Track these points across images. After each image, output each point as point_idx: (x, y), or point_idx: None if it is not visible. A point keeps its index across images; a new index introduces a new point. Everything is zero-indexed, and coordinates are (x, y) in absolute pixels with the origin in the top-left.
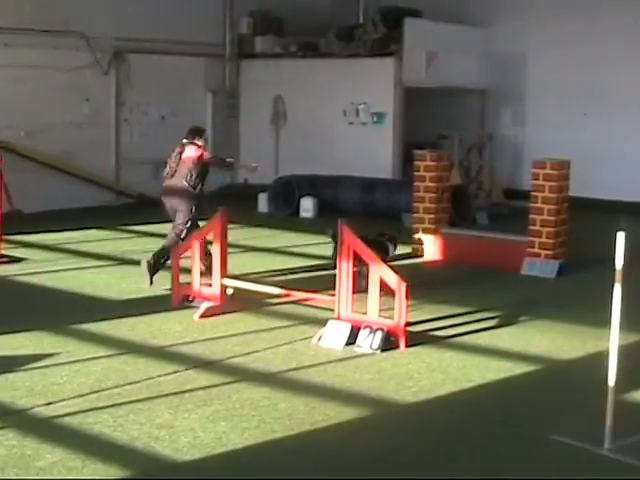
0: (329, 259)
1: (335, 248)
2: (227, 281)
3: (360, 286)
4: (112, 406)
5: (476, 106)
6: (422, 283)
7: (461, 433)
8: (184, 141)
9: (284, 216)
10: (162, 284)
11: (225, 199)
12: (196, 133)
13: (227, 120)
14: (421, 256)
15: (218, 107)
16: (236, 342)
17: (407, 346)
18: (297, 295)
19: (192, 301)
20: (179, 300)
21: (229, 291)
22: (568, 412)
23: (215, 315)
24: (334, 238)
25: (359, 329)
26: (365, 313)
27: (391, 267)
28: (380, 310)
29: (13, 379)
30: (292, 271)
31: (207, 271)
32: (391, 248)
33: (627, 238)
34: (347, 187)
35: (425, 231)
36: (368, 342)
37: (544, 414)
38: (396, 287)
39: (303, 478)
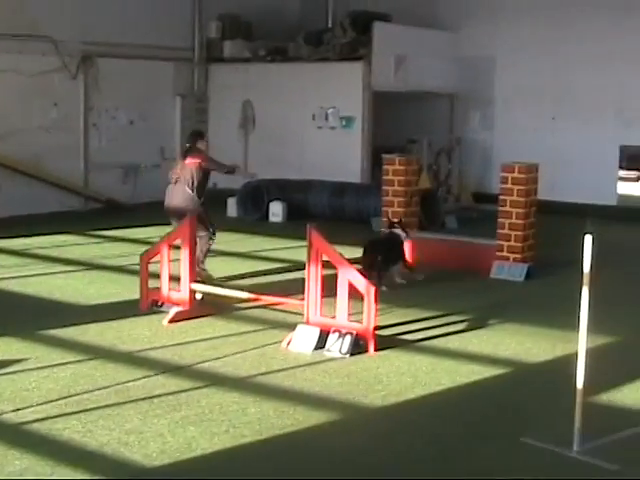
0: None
1: None
2: (196, 286)
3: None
4: (81, 412)
5: (445, 110)
6: (391, 287)
7: (431, 436)
8: (187, 145)
9: (253, 220)
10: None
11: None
12: (197, 137)
13: (196, 124)
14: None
15: (187, 111)
16: (205, 347)
17: (376, 350)
18: (266, 299)
19: (161, 306)
20: (148, 305)
21: (198, 296)
22: (537, 415)
23: (184, 320)
24: None
25: (328, 333)
26: (334, 317)
27: (359, 271)
28: (349, 314)
29: None
30: (262, 274)
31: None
32: (403, 235)
33: (594, 241)
34: (316, 191)
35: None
36: (337, 346)
37: (513, 417)
38: (365, 291)
39: None
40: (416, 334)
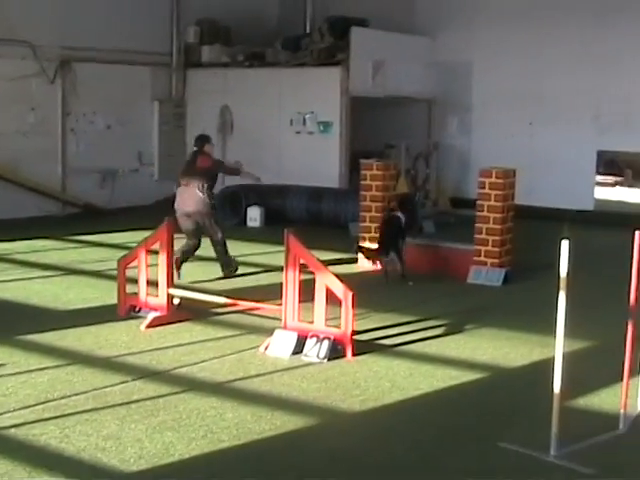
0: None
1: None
2: (174, 291)
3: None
4: (59, 417)
5: (423, 115)
6: (369, 292)
7: (408, 441)
8: (194, 149)
9: (231, 225)
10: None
11: (172, 209)
12: (204, 141)
13: (174, 129)
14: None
15: (165, 116)
16: (183, 352)
17: (354, 355)
18: (244, 304)
19: (139, 311)
20: (126, 310)
21: (176, 301)
22: (515, 419)
23: (162, 325)
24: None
25: (306, 338)
26: (312, 322)
27: (337, 276)
28: (327, 319)
29: None
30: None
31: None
32: (402, 218)
33: (572, 246)
34: (294, 196)
35: (372, 240)
36: (315, 351)
37: (491, 421)
38: (343, 296)
39: None
40: (394, 339)
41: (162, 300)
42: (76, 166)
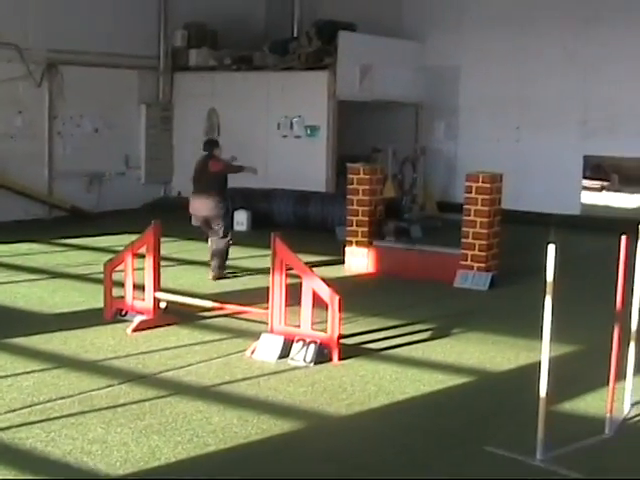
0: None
1: None
2: (160, 294)
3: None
4: (44, 421)
5: (410, 119)
6: (355, 296)
7: (395, 445)
8: (204, 154)
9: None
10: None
11: (158, 212)
12: (213, 145)
13: (161, 133)
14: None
15: (152, 120)
16: (169, 356)
17: (340, 359)
18: (230, 308)
19: (125, 315)
20: (112, 314)
21: (162, 304)
22: (501, 423)
23: (148, 329)
24: None
25: (292, 342)
26: (298, 326)
27: (324, 280)
28: (313, 323)
29: None
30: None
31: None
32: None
33: (558, 251)
34: (281, 200)
35: (358, 244)
36: (301, 355)
37: (477, 425)
38: (329, 300)
39: None
40: (380, 343)
41: (149, 304)
42: (63, 169)
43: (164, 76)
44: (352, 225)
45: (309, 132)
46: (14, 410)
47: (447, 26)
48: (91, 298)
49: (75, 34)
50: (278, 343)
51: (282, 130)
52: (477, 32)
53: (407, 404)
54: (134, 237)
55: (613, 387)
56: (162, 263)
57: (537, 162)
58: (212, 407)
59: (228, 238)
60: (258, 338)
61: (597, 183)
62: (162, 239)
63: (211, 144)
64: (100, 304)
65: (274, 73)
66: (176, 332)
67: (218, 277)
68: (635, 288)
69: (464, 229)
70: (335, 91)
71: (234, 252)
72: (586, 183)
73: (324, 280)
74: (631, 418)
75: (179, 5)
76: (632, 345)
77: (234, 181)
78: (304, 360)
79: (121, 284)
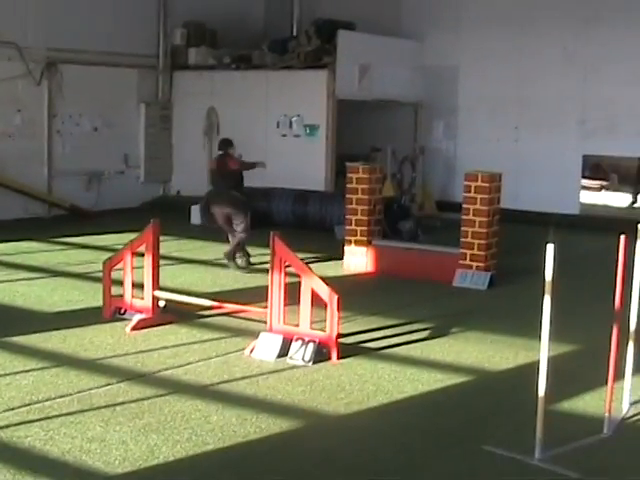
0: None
1: None
2: (159, 293)
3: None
4: (43, 419)
5: (409, 119)
6: (354, 295)
7: (393, 444)
8: (220, 152)
9: (216, 228)
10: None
11: (157, 211)
12: (228, 144)
13: (160, 132)
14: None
15: (151, 118)
16: (168, 354)
17: (339, 358)
18: (229, 307)
19: (124, 313)
20: (111, 312)
21: (161, 303)
22: (499, 423)
23: (147, 327)
24: None
25: (291, 341)
26: (297, 325)
27: (323, 279)
28: (312, 322)
29: None
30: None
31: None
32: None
33: (557, 250)
34: (280, 199)
35: (357, 243)
36: (300, 354)
37: (476, 425)
38: (328, 299)
39: None
40: (379, 342)
41: (147, 302)
42: (62, 168)
43: (163, 75)
44: (351, 224)
45: (308, 131)
46: (13, 409)
47: (446, 26)
48: (90, 297)
49: (75, 33)
50: (277, 342)
51: (281, 129)
52: (476, 32)
53: (405, 403)
54: (133, 236)
55: (612, 386)
56: (161, 262)
57: (536, 162)
58: (211, 406)
59: (247, 234)
60: (257, 337)
61: (596, 183)
62: (161, 238)
63: (226, 143)
64: (99, 303)
65: (273, 72)
66: (175, 331)
67: (249, 263)
68: (634, 288)
69: (463, 228)
70: (334, 90)
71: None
72: (585, 183)
73: (323, 279)
74: (630, 417)
75: (178, 4)
76: (631, 345)
77: None
78: (303, 359)
79: (120, 283)
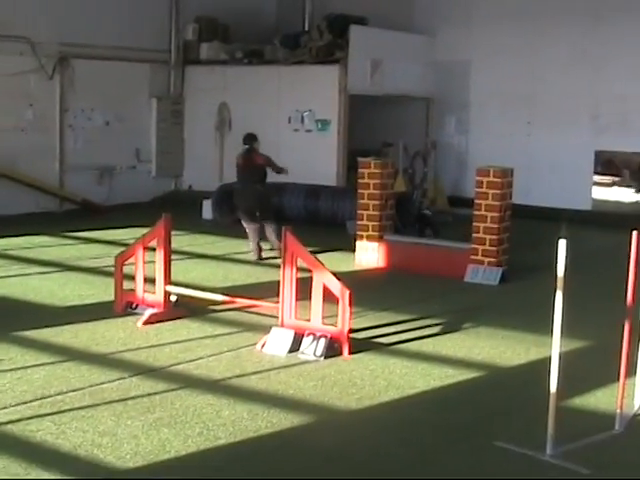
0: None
1: None
2: (170, 288)
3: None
4: (55, 413)
5: (421, 114)
6: (366, 290)
7: (404, 439)
8: (246, 147)
9: (228, 223)
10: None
11: (169, 206)
12: (252, 139)
13: (171, 126)
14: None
15: (163, 113)
16: (180, 349)
17: (350, 353)
18: (241, 302)
19: (135, 308)
20: (122, 307)
21: (173, 298)
22: (511, 418)
23: (159, 322)
24: None
25: (302, 336)
26: (309, 320)
27: (334, 274)
28: (323, 317)
29: None
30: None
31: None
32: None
33: (569, 246)
34: (291, 194)
35: (369, 238)
36: (311, 349)
37: (487, 420)
38: (340, 294)
39: None
40: (390, 337)
41: (159, 297)
42: (74, 163)
43: (175, 70)
44: (362, 219)
45: (320, 126)
46: (25, 402)
47: (458, 21)
48: (102, 291)
49: (87, 28)
50: (288, 337)
51: (293, 124)
52: (488, 27)
53: (417, 398)
54: (145, 230)
55: (623, 383)
56: (173, 256)
57: (548, 157)
58: (222, 400)
59: (275, 225)
60: (268, 332)
61: (608, 178)
62: (173, 232)
63: (251, 138)
64: (111, 297)
65: (285, 67)
66: (186, 325)
67: (260, 258)
68: None
69: (475, 224)
70: (346, 85)
71: (244, 246)
72: (597, 178)
73: (334, 274)
74: None
75: None
76: None
77: None
78: (314, 354)
79: (132, 277)
